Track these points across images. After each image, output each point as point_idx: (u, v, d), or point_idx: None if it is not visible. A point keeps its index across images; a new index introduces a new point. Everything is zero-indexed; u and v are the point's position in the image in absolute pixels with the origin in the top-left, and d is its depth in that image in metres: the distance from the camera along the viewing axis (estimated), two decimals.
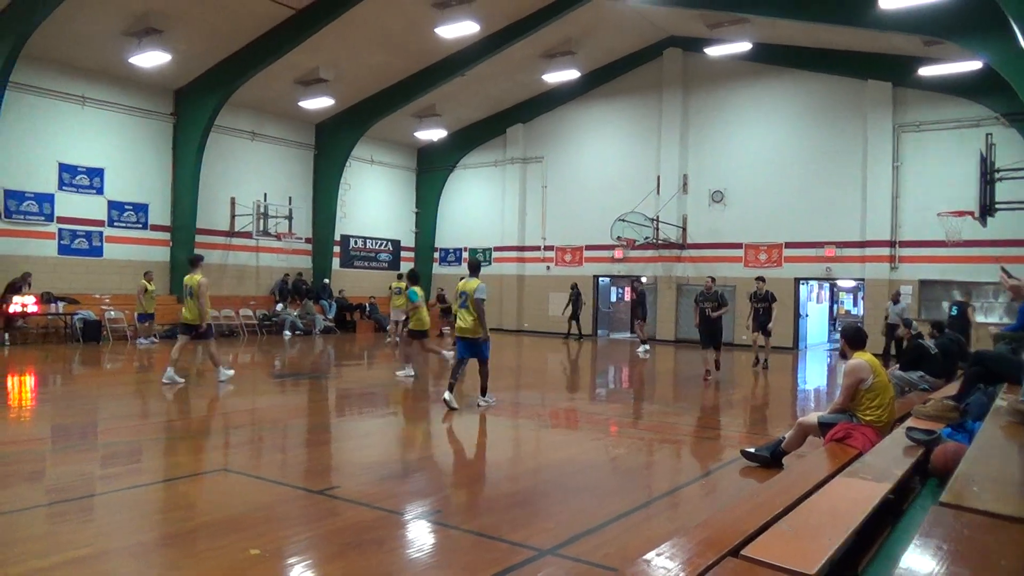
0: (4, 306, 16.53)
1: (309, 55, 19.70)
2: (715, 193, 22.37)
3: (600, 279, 25.23)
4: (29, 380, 12.55)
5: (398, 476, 6.47)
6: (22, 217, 17.78)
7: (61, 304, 17.65)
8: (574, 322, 23.01)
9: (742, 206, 21.88)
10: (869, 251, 19.97)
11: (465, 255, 27.81)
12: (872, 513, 3.43)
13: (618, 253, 23.84)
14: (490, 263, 27.21)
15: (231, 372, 11.99)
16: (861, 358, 6.19)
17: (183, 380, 11.30)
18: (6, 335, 16.46)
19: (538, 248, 26.17)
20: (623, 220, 22.03)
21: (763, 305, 15.30)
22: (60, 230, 18.50)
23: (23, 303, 16.73)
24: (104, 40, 17.66)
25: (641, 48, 23.23)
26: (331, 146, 24.73)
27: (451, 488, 6.14)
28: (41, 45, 16.74)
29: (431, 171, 28.52)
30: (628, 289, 26.80)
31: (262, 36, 18.93)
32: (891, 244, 19.66)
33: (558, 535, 4.79)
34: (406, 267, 28.00)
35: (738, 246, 21.93)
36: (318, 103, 22.20)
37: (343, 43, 19.50)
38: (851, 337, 6.46)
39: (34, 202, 18.00)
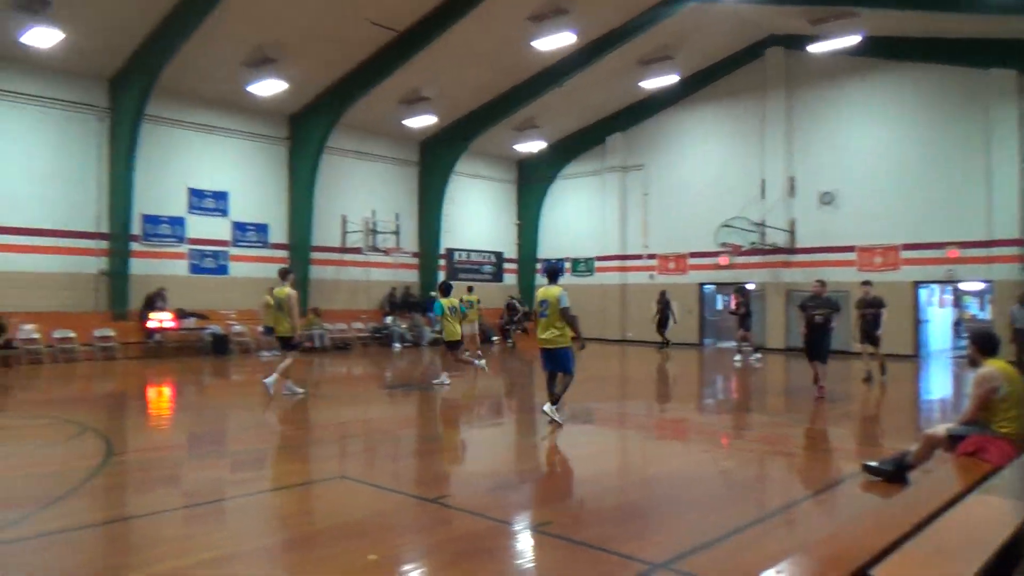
0: (144, 321, 17.96)
1: (412, 75, 20.33)
2: (824, 194, 21.44)
3: (705, 286, 24.65)
4: (166, 391, 13.51)
5: (508, 486, 6.55)
6: (158, 239, 19.26)
7: (193, 319, 18.99)
8: (662, 331, 22.51)
9: (854, 207, 20.86)
10: (996, 251, 18.58)
11: (568, 265, 27.84)
12: (1014, 535, 3.21)
13: (723, 260, 23.22)
14: (592, 273, 27.14)
15: (301, 392, 11.58)
16: (993, 366, 5.76)
17: (303, 391, 11.66)
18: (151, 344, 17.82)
19: (640, 257, 25.87)
20: (728, 226, 21.47)
21: (871, 311, 13.93)
22: (191, 250, 19.90)
23: (160, 319, 18.14)
24: (226, 72, 18.89)
25: (741, 49, 22.63)
26: (435, 162, 25.39)
27: (560, 499, 6.16)
28: (171, 80, 18.07)
29: (532, 183, 28.77)
30: (732, 296, 26.03)
31: (368, 60, 19.71)
32: (1021, 243, 18.23)
33: (670, 548, 4.72)
34: (509, 279, 28.43)
35: (850, 249, 20.90)
36: (421, 121, 22.88)
37: (443, 61, 20.01)
38: (983, 343, 5.99)
39: (168, 225, 19.46)
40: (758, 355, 18.42)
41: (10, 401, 11.96)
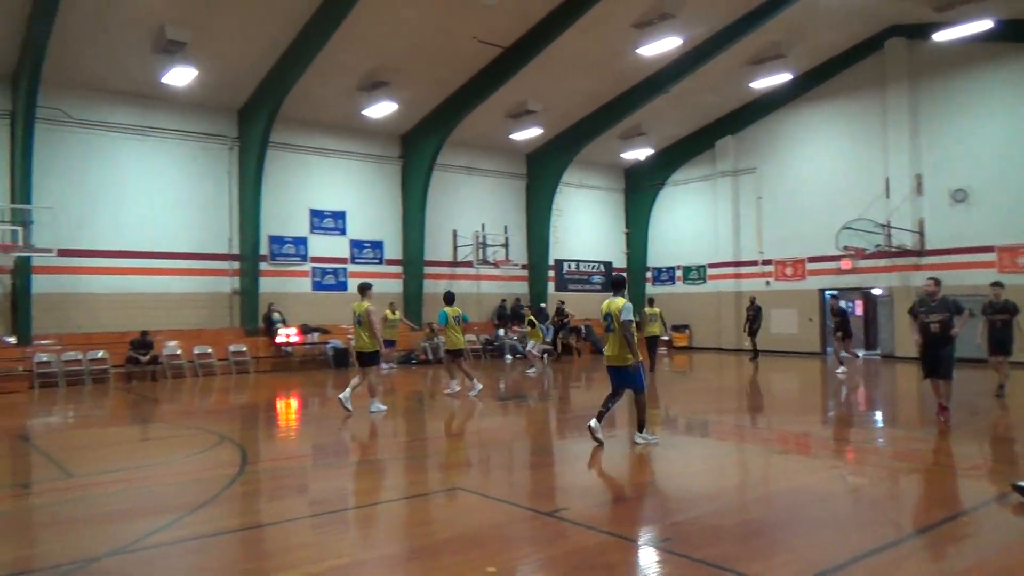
0: (272, 337, 19.09)
1: (517, 89, 20.61)
2: (957, 192, 20.00)
3: (826, 292, 23.53)
4: (293, 403, 14.24)
5: (624, 500, 6.50)
6: (283, 259, 20.42)
7: (316, 335, 19.99)
8: (753, 340, 21.50)
9: (991, 204, 19.32)
10: None
11: (679, 273, 27.31)
12: None
13: (846, 264, 22.08)
14: (704, 280, 26.49)
15: (383, 408, 11.48)
16: None
17: (385, 407, 11.55)
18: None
19: (755, 263, 25.01)
20: (850, 228, 20.41)
21: (1001, 318, 12.31)
22: (313, 268, 20.97)
23: (288, 334, 19.23)
24: (342, 98, 19.83)
25: (858, 42, 21.51)
26: (541, 174, 25.59)
27: (678, 514, 6.03)
28: (292, 108, 19.16)
29: (640, 191, 28.46)
30: (859, 302, 24.73)
31: (474, 77, 20.16)
32: None
33: (800, 570, 4.54)
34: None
35: (989, 249, 19.35)
36: (528, 134, 23.15)
37: (548, 73, 20.17)
38: None
39: (292, 245, 20.61)
40: (847, 367, 17.50)
41: (158, 413, 12.96)
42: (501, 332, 23.49)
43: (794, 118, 23.91)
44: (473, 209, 24.17)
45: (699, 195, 26.78)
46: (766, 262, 24.71)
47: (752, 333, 21.51)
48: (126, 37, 16.01)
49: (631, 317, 8.15)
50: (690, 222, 27.06)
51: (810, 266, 23.45)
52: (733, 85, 22.46)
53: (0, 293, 16.51)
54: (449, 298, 13.90)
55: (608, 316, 8.30)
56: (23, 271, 16.29)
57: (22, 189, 16.14)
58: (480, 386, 13.40)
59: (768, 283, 24.53)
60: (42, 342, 16.66)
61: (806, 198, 23.39)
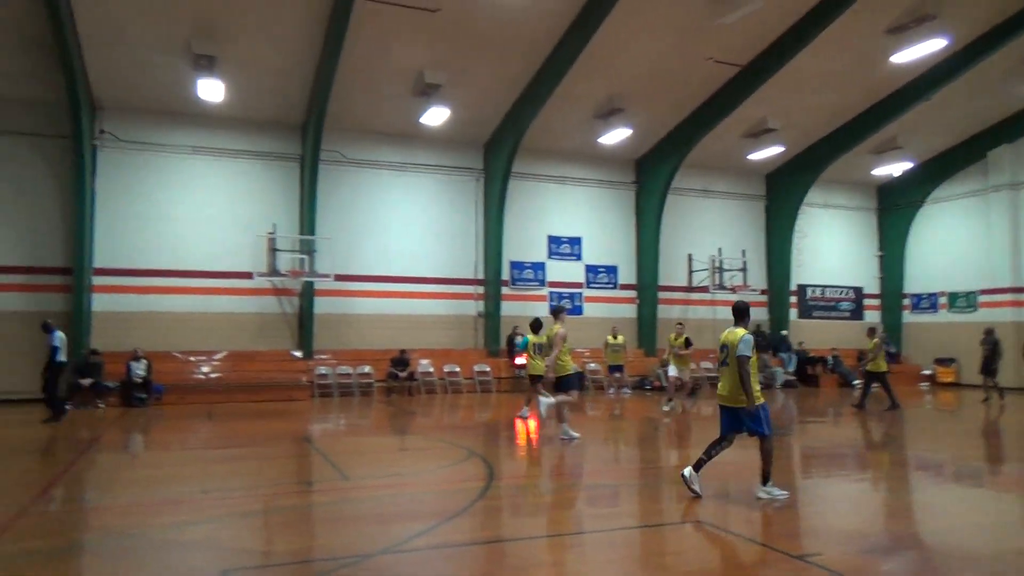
0: (512, 358, 20.10)
1: (755, 107, 19.92)
2: None
3: None
4: (532, 423, 14.86)
5: (885, 550, 5.98)
6: (523, 284, 21.51)
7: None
8: (991, 377, 17.94)
9: None
10: None
11: (942, 300, 24.47)
12: None
13: None
14: (975, 308, 23.47)
15: (577, 436, 11.14)
16: None
17: (578, 435, 11.26)
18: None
19: None
20: None
21: None
22: (550, 293, 21.81)
23: (526, 356, 20.06)
24: (578, 126, 20.53)
25: None
26: (782, 194, 24.39)
27: (954, 572, 5.44)
28: (532, 139, 20.19)
29: (894, 209, 26.00)
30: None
31: (710, 98, 19.84)
32: None
33: None
34: (871, 316, 25.89)
35: None
36: (767, 153, 22.24)
37: (789, 89, 19.27)
38: None
39: (531, 270, 21.66)
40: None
41: (415, 425, 14.24)
42: None
43: None
44: (709, 233, 23.66)
45: (968, 212, 23.86)
46: None
47: (990, 372, 17.95)
48: (391, 84, 17.99)
49: (749, 353, 7.14)
50: (957, 243, 24.17)
51: None
52: (1008, 88, 19.83)
53: (290, 313, 19.20)
54: (535, 325, 13.73)
55: (724, 348, 7.41)
56: (307, 294, 18.84)
57: (308, 222, 18.74)
58: (548, 407, 11.89)
59: None
60: (321, 357, 19.08)
61: None
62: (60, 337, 13.65)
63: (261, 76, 17.45)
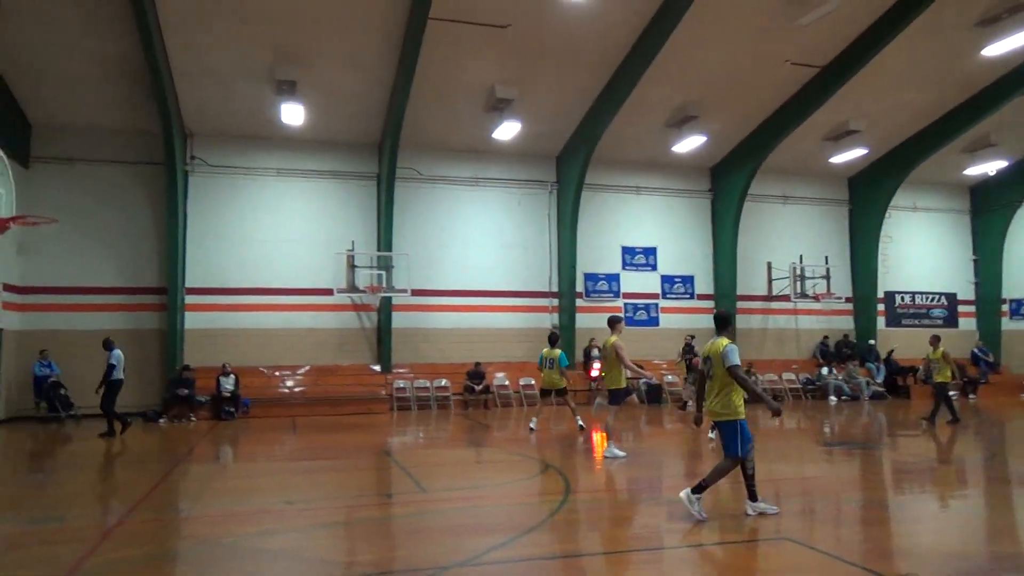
0: (588, 370, 19.96)
1: (835, 109, 19.31)
2: None
3: None
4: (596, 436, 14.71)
5: (986, 572, 5.64)
6: (597, 295, 21.39)
7: (627, 370, 20.38)
8: None
9: None
10: None
11: None
12: None
13: None
14: None
15: (623, 455, 10.65)
16: None
17: (624, 454, 10.79)
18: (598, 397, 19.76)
19: None
20: None
21: None
22: (625, 304, 21.61)
23: (600, 368, 19.86)
24: (650, 135, 20.35)
25: None
26: (866, 198, 23.49)
27: None
28: (604, 150, 20.08)
29: (990, 211, 24.68)
30: None
31: (787, 101, 19.35)
32: None
33: None
34: (966, 324, 24.60)
35: None
36: (849, 156, 21.52)
37: (871, 89, 18.59)
38: None
39: (605, 281, 21.54)
40: None
41: (491, 438, 14.31)
42: (824, 371, 21.83)
43: None
44: (789, 240, 22.99)
45: None
46: None
47: None
48: (463, 100, 18.28)
49: (738, 361, 6.83)
50: None
51: None
52: None
53: (369, 328, 19.65)
54: (552, 339, 13.94)
55: (708, 360, 7.08)
56: (385, 309, 19.26)
57: (385, 239, 19.19)
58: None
59: None
60: (399, 370, 19.43)
61: None
62: (118, 356, 13.99)
63: (339, 98, 18.02)
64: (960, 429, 14.33)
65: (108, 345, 14.17)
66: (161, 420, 16.62)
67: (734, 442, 6.90)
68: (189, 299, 18.37)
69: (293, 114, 17.30)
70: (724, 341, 6.98)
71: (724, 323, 7.39)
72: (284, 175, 19.43)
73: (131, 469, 11.02)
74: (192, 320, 18.39)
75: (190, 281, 18.44)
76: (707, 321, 22.10)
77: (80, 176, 18.00)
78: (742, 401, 6.95)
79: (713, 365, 7.01)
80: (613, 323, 11.21)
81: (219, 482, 9.85)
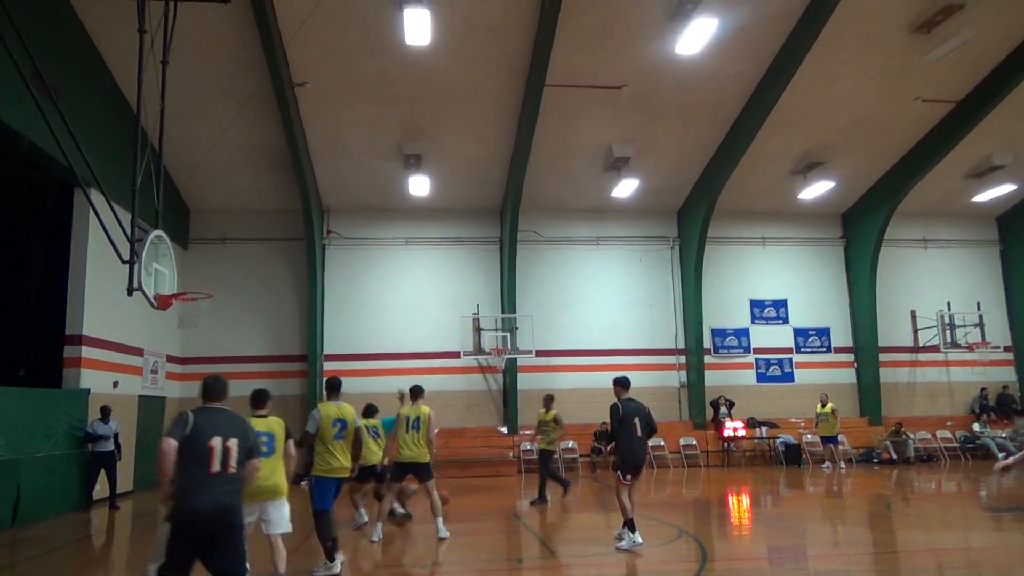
0: (720, 429, 19.26)
1: (976, 144, 18.14)
2: None
3: None
4: (745, 500, 14.06)
5: None
6: (726, 351, 20.73)
7: (764, 428, 19.56)
8: None
9: None
10: None
11: None
12: None
13: None
14: None
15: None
16: None
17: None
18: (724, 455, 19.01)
19: None
20: None
21: None
22: (756, 360, 20.79)
23: (735, 427, 19.19)
24: (774, 184, 19.83)
25: None
26: (1020, 237, 21.68)
27: None
28: (726, 201, 19.66)
29: None
30: None
31: (922, 140, 18.42)
32: None
33: None
34: None
35: None
36: (996, 193, 20.13)
37: (1015, 121, 17.40)
38: None
39: (734, 337, 20.85)
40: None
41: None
42: (976, 427, 20.02)
43: None
44: (933, 286, 21.46)
45: None
46: None
47: None
48: (581, 162, 18.60)
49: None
50: None
51: None
52: None
53: (495, 390, 19.93)
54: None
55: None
56: (511, 370, 19.48)
57: (508, 301, 19.56)
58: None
59: None
60: (526, 432, 19.45)
61: None
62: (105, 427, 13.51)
63: (461, 168, 18.81)
64: None
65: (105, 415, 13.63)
66: (303, 483, 17.36)
67: (312, 498, 7.45)
68: (327, 365, 19.34)
69: (419, 185, 18.24)
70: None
71: (335, 388, 8.02)
72: (412, 243, 20.34)
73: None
74: None
75: (328, 348, 19.46)
76: (847, 376, 20.90)
77: (231, 254, 19.62)
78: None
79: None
80: (415, 394, 10.06)
81: (353, 540, 10.14)
